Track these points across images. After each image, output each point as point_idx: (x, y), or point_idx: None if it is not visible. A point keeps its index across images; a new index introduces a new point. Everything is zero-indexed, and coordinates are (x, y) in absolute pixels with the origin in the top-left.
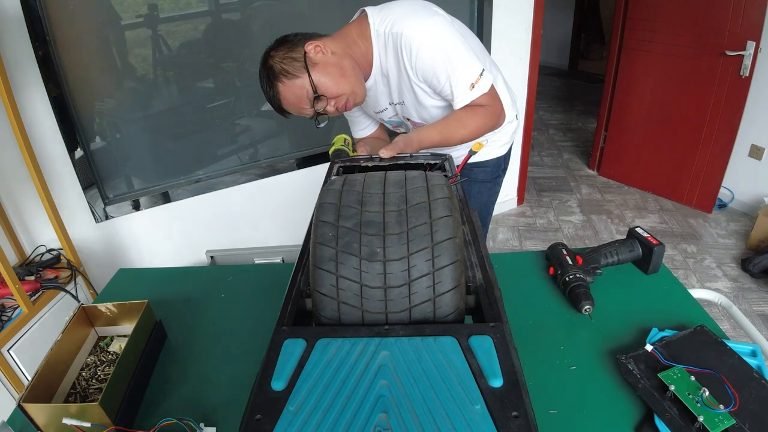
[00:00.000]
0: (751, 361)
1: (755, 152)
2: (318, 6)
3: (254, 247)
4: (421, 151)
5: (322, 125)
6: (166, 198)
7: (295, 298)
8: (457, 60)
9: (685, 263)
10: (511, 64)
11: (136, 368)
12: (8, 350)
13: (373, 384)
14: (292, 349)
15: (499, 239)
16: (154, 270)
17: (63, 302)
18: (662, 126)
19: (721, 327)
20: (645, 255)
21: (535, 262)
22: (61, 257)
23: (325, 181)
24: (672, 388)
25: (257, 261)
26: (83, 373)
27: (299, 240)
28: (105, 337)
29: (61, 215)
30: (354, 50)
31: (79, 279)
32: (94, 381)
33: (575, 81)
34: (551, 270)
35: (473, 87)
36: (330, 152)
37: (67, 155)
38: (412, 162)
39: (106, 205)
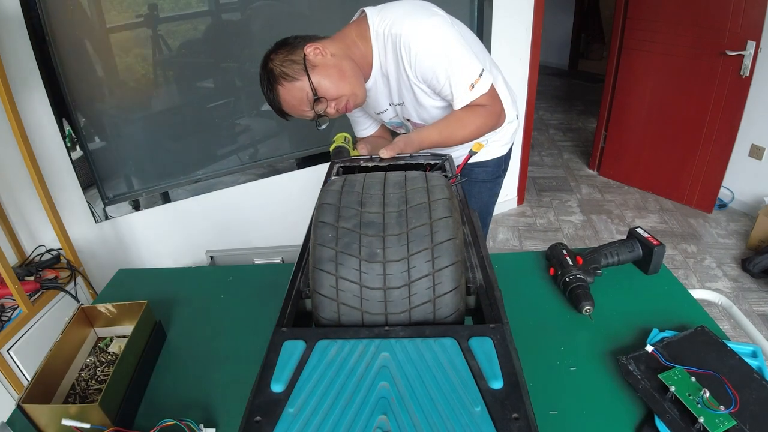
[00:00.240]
0: (752, 362)
1: (755, 152)
2: (318, 6)
3: (254, 247)
4: (421, 152)
5: (323, 127)
6: (166, 198)
7: (295, 299)
8: (456, 60)
9: (686, 263)
10: (511, 64)
11: (135, 369)
12: (8, 350)
13: (373, 386)
14: (292, 350)
15: (499, 239)
16: (154, 270)
17: (63, 302)
18: (662, 126)
19: (721, 327)
20: (645, 255)
21: (535, 262)
22: (61, 257)
23: (325, 182)
24: (672, 389)
25: (257, 261)
26: (83, 374)
27: (299, 240)
28: (104, 338)
29: (60, 215)
30: (354, 51)
31: (79, 279)
32: (93, 382)
33: (575, 81)
34: (551, 270)
35: (473, 87)
36: (330, 150)
37: (67, 155)
38: (412, 162)
39: (105, 205)
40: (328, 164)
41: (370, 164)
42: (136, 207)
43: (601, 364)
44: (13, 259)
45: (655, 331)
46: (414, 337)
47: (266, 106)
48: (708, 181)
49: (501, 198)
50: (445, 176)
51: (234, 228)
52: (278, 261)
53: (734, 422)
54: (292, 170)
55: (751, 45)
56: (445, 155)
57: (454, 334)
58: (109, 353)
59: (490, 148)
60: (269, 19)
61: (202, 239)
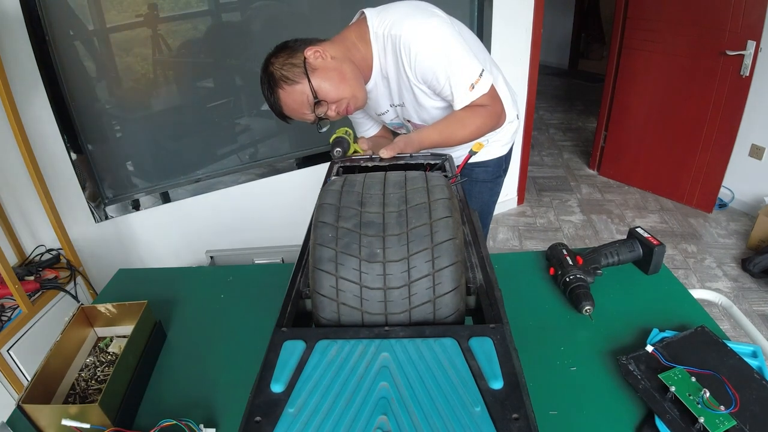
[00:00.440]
0: (752, 362)
1: (755, 152)
2: (318, 6)
3: (254, 247)
4: (421, 152)
5: (323, 129)
6: (166, 198)
7: (295, 299)
8: (456, 61)
9: (686, 263)
10: (511, 63)
11: (135, 369)
12: (8, 350)
13: (373, 386)
14: (292, 350)
15: (499, 239)
16: (154, 270)
17: (63, 302)
18: (662, 125)
19: (721, 327)
20: (645, 255)
21: (536, 262)
22: (61, 257)
23: (325, 181)
24: (672, 389)
25: (257, 261)
26: (82, 374)
27: (299, 240)
28: (104, 338)
29: (60, 215)
30: (354, 54)
31: (79, 279)
32: (93, 382)
33: (575, 81)
34: (551, 270)
35: (473, 87)
36: (330, 140)
37: (67, 155)
38: (412, 162)
39: (105, 205)
40: (328, 164)
41: (370, 164)
42: (136, 207)
43: (601, 364)
44: (13, 259)
45: (655, 331)
46: (414, 337)
47: (266, 106)
48: (708, 181)
49: (501, 198)
50: (445, 176)
51: (234, 228)
52: (278, 261)
53: (734, 422)
54: (292, 170)
55: (751, 45)
56: (445, 155)
57: (454, 334)
58: (109, 353)
59: (490, 148)
60: (269, 19)
61: (202, 239)
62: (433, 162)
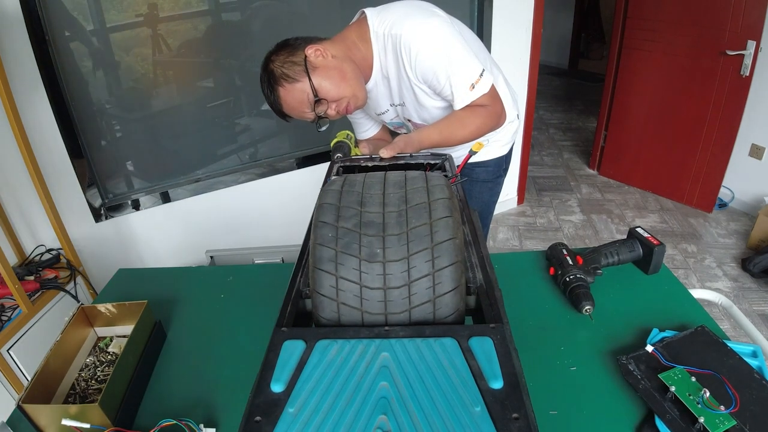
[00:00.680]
0: (752, 362)
1: (755, 152)
2: (318, 6)
3: (254, 247)
4: (421, 151)
5: (323, 128)
6: (165, 198)
7: (295, 299)
8: (456, 60)
9: (686, 263)
10: (511, 63)
11: (135, 369)
12: (8, 350)
13: (373, 386)
14: (292, 350)
15: (499, 239)
16: (154, 270)
17: (63, 302)
18: (663, 125)
19: (721, 327)
20: (645, 255)
21: (536, 262)
22: (61, 257)
23: (325, 181)
24: (673, 388)
25: (257, 261)
26: (82, 374)
27: (299, 240)
28: (104, 338)
29: (60, 215)
30: (354, 53)
31: (79, 279)
32: (93, 381)
33: (575, 80)
34: (551, 270)
35: (473, 87)
36: (332, 144)
37: (67, 155)
38: (412, 162)
39: (105, 204)
40: (328, 164)
41: (370, 164)
42: (136, 207)
43: (601, 364)
44: (13, 258)
45: (655, 330)
46: (414, 337)
47: (266, 106)
48: (708, 181)
49: (501, 197)
50: (445, 176)
51: (234, 228)
52: (278, 261)
53: (734, 422)
54: (292, 170)
55: (751, 45)
56: (445, 155)
57: (454, 334)
58: (109, 353)
59: (490, 147)
60: (269, 18)
61: (202, 239)
62: (433, 162)
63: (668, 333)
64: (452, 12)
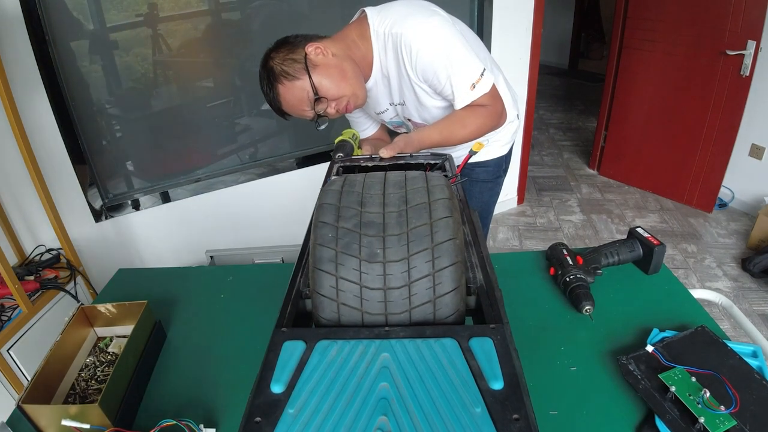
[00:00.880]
0: (752, 362)
1: (755, 152)
2: (318, 5)
3: (254, 247)
4: (421, 151)
5: (322, 127)
6: (165, 198)
7: (295, 300)
8: (457, 60)
9: (686, 263)
10: (511, 63)
11: (135, 369)
12: (8, 350)
13: (374, 386)
14: (292, 350)
15: (499, 239)
16: (154, 270)
17: (63, 302)
18: (663, 125)
19: (721, 327)
20: (646, 255)
21: (536, 262)
22: (61, 257)
23: (325, 181)
24: (673, 389)
25: (257, 261)
26: (82, 374)
27: (299, 240)
28: (104, 338)
29: (60, 215)
30: (354, 52)
31: (79, 279)
32: (93, 382)
33: (575, 80)
34: (552, 270)
35: (474, 87)
36: (335, 141)
37: (67, 155)
38: (412, 162)
39: (105, 204)
40: (328, 164)
41: (370, 164)
42: (136, 207)
43: (601, 364)
44: (13, 258)
45: (655, 330)
46: (414, 337)
47: (266, 106)
48: (708, 181)
49: (501, 197)
50: (446, 176)
51: (234, 228)
52: (278, 261)
53: (734, 422)
54: (292, 170)
55: (751, 44)
56: (445, 155)
57: (454, 335)
58: (108, 353)
59: (490, 147)
60: (269, 18)
61: (202, 239)
62: (433, 162)
63: (668, 333)
64: (452, 12)
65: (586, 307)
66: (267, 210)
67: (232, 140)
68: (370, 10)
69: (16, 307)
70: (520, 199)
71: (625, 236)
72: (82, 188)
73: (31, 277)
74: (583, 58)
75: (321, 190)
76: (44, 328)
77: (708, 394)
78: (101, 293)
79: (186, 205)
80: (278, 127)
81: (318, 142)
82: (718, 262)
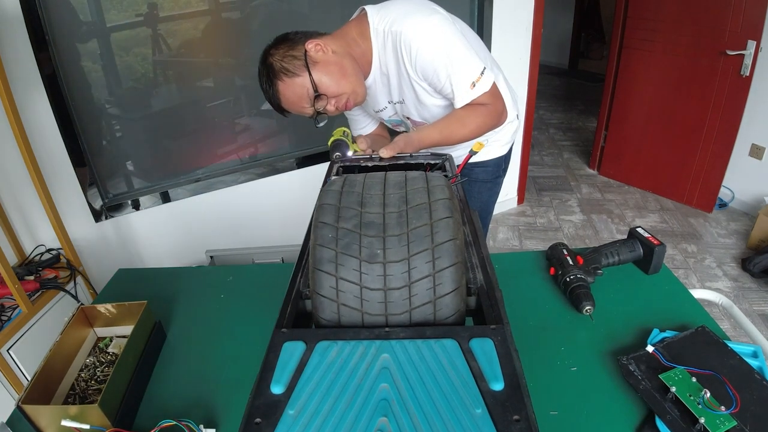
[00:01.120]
0: (752, 362)
1: (756, 152)
2: (317, 5)
3: (254, 247)
4: (421, 151)
5: (321, 124)
6: (165, 198)
7: (295, 300)
8: (457, 58)
9: (686, 263)
10: (511, 63)
11: (135, 369)
12: (8, 350)
13: (374, 387)
14: (292, 351)
15: (499, 239)
16: (154, 270)
17: (62, 302)
18: (663, 125)
19: (721, 327)
20: (646, 255)
21: (536, 262)
22: (61, 257)
23: (325, 181)
24: (673, 389)
25: (257, 261)
26: (82, 374)
27: (299, 240)
28: (104, 338)
29: (60, 215)
30: (354, 49)
31: (79, 279)
32: (93, 382)
33: (575, 80)
34: (552, 270)
35: (474, 86)
36: (329, 143)
37: (67, 155)
38: (412, 162)
39: (105, 204)
40: (328, 164)
41: (370, 164)
42: (136, 207)
43: (601, 365)
44: (13, 258)
45: (655, 331)
46: (414, 338)
47: (266, 105)
48: (708, 181)
49: (501, 197)
50: (446, 176)
51: (234, 228)
52: (278, 261)
53: (735, 422)
54: (292, 170)
55: (751, 44)
56: (445, 155)
57: (454, 335)
58: (108, 353)
59: (490, 147)
60: (269, 18)
61: (202, 239)
62: (433, 162)
63: (669, 333)
64: (452, 11)
65: (587, 308)
66: (267, 210)
67: (232, 140)
68: (370, 8)
69: (16, 307)
70: (520, 199)
71: (625, 236)
72: (82, 188)
73: (31, 277)
74: (583, 58)
75: (321, 190)
76: (44, 328)
77: (708, 394)
78: (101, 293)
79: (186, 205)
80: (278, 127)
81: (318, 141)
82: (718, 262)
